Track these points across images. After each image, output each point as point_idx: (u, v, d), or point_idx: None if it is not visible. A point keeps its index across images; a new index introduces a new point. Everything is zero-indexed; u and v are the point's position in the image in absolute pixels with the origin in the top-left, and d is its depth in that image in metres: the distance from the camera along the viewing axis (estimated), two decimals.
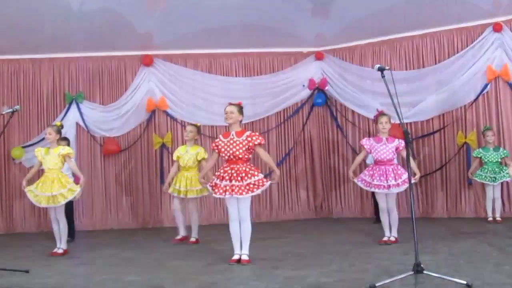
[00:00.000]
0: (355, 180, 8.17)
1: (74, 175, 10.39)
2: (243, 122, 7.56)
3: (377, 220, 10.85)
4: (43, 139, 11.58)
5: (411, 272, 5.05)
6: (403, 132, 5.46)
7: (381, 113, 8.22)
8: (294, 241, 8.81)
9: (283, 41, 12.48)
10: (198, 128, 9.36)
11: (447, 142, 11.54)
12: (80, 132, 12.33)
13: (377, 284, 4.90)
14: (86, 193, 12.00)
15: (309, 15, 11.49)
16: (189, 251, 8.13)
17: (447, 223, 10.42)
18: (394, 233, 8.02)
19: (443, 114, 11.56)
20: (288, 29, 11.96)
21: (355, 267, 6.19)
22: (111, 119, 12.36)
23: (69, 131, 12.07)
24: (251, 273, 6.12)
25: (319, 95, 12.69)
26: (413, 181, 7.84)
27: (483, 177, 10.11)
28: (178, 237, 9.11)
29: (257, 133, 7.13)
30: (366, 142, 8.15)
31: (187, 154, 9.09)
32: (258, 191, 6.83)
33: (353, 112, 12.45)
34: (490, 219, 10.06)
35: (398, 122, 5.71)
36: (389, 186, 7.81)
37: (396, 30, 11.87)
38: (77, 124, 12.30)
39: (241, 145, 6.87)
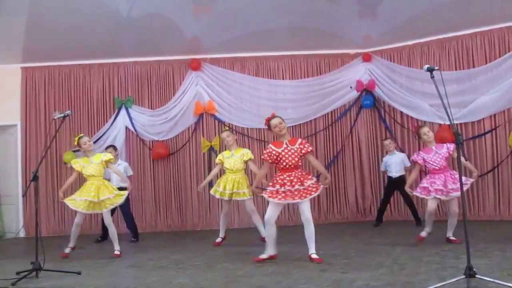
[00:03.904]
0: (415, 193, 8.20)
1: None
2: (287, 125, 7.58)
3: (418, 223, 10.71)
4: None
5: (463, 276, 4.94)
6: (454, 133, 5.36)
7: (419, 127, 8.40)
8: (342, 244, 8.74)
9: (329, 43, 12.43)
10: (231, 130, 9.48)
11: (499, 143, 11.29)
12: (130, 136, 12.54)
13: None
14: (136, 196, 12.20)
15: (355, 16, 11.39)
16: (238, 254, 8.14)
17: (499, 225, 10.20)
18: (450, 234, 8.06)
19: (495, 115, 11.32)
20: (335, 30, 11.88)
21: (405, 270, 6.10)
22: (160, 123, 12.52)
23: (118, 135, 12.29)
24: (299, 276, 6.10)
25: (367, 97, 12.59)
26: (472, 180, 8.01)
27: None
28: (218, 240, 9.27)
29: (304, 140, 7.35)
30: (417, 157, 8.15)
31: (232, 157, 9.19)
32: (316, 194, 7.08)
33: (401, 113, 12.31)
34: None
35: (448, 123, 5.63)
36: (448, 192, 7.76)
37: (445, 29, 11.70)
38: (127, 128, 12.50)
39: (296, 154, 7.11)
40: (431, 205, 7.97)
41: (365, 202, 12.64)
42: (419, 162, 8.09)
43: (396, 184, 10.96)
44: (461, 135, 5.45)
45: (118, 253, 8.48)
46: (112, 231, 8.56)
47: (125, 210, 10.53)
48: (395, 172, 11.05)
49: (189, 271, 6.83)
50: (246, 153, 9.19)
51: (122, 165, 10.53)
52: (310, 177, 7.11)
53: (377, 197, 12.55)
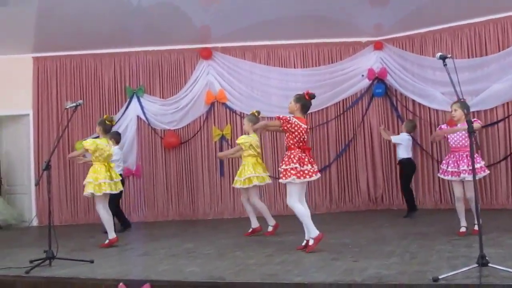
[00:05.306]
0: (437, 174, 8.27)
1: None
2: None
3: (408, 214, 10.50)
4: None
5: (476, 265, 4.93)
6: (466, 121, 5.35)
7: (454, 102, 8.09)
8: (354, 233, 8.73)
9: (341, 31, 12.36)
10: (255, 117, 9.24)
11: (511, 132, 11.21)
12: (141, 125, 12.56)
13: (440, 277, 4.81)
14: (148, 185, 12.27)
15: (367, 4, 11.34)
16: (249, 242, 8.16)
17: None
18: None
19: (507, 103, 11.22)
20: (346, 19, 11.82)
21: (417, 259, 6.09)
22: (171, 112, 12.53)
23: (130, 125, 12.32)
24: (310, 264, 6.10)
25: (379, 85, 12.53)
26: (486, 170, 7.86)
27: None
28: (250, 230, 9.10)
29: (278, 116, 7.21)
30: (442, 125, 8.15)
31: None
32: (283, 180, 7.03)
33: (413, 102, 12.23)
34: None
35: None
36: (459, 173, 7.64)
37: (457, 17, 11.59)
38: (138, 117, 12.52)
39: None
40: (456, 190, 7.82)
41: (377, 191, 12.60)
42: (442, 127, 8.01)
43: (400, 168, 10.84)
44: (473, 123, 5.42)
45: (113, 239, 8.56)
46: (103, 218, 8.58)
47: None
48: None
49: (200, 259, 6.85)
50: (241, 137, 9.17)
51: None
52: (286, 162, 6.98)
53: (389, 186, 12.51)
